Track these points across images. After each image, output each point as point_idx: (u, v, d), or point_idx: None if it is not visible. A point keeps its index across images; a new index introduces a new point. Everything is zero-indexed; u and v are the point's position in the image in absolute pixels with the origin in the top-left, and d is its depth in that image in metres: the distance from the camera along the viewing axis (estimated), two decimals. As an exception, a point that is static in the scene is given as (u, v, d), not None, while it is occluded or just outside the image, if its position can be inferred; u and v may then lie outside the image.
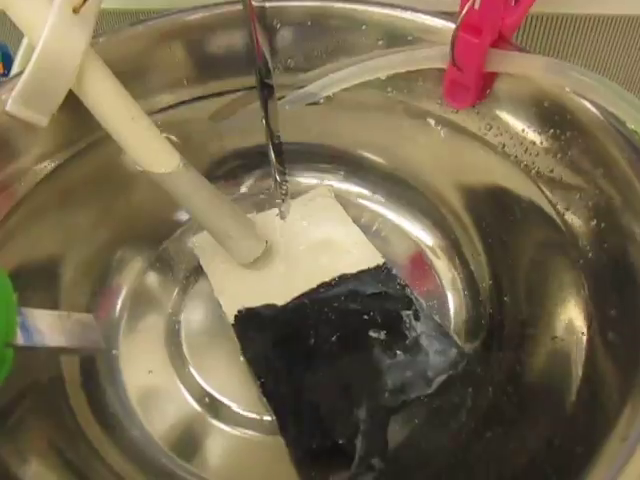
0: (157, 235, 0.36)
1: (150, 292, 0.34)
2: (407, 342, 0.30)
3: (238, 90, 0.35)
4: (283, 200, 0.31)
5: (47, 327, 0.25)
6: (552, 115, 0.28)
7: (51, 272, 0.30)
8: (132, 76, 0.32)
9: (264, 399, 0.29)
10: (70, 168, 0.32)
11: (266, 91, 0.28)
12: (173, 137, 0.32)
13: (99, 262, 0.33)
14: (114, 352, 0.31)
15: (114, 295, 0.33)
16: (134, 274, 0.34)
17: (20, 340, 0.23)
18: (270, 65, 0.28)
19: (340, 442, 0.26)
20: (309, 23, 0.34)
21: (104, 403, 0.29)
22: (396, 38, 0.32)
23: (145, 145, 0.29)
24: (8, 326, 0.22)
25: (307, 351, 0.30)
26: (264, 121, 0.28)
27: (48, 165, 0.31)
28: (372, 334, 0.30)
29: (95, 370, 0.30)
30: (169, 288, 0.34)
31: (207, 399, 0.30)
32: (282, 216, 0.32)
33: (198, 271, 0.34)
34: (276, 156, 0.29)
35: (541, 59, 0.28)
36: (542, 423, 0.24)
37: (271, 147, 0.29)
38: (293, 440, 0.27)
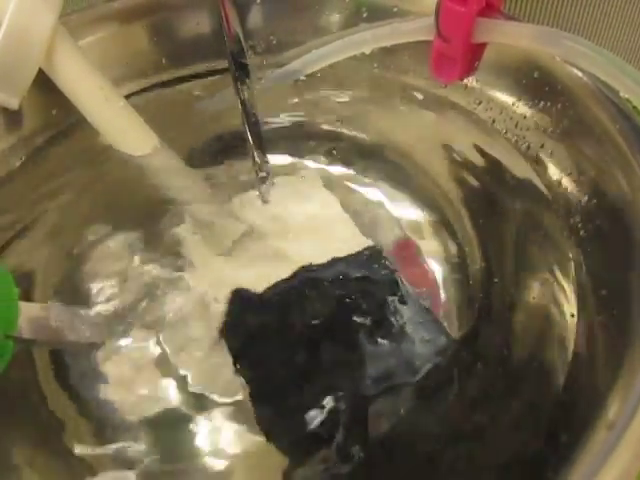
0: (139, 218, 0.35)
1: (129, 278, 0.33)
2: (392, 329, 0.28)
3: (221, 70, 0.34)
4: (264, 182, 0.30)
5: (48, 320, 0.25)
6: (543, 86, 0.27)
7: (22, 259, 0.29)
8: (107, 56, 0.32)
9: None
10: (48, 151, 0.31)
11: (240, 70, 0.27)
12: (150, 119, 0.31)
13: (76, 247, 0.32)
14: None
15: (91, 281, 0.32)
16: (113, 259, 0.33)
17: (21, 332, 0.23)
18: (243, 43, 0.27)
19: (319, 432, 0.25)
20: (290, -3, 0.33)
21: (79, 393, 0.28)
22: (381, 10, 0.31)
23: (120, 126, 0.29)
24: (9, 318, 0.22)
25: (287, 338, 0.28)
26: (239, 101, 0.27)
27: (24, 149, 0.30)
28: (355, 320, 0.29)
29: (69, 360, 0.29)
30: (150, 273, 0.33)
31: (188, 389, 0.29)
32: (263, 199, 0.31)
33: (181, 256, 0.33)
34: (254, 137, 0.28)
35: (533, 28, 0.26)
36: (529, 411, 0.23)
37: (248, 128, 0.28)
38: (271, 431, 0.26)
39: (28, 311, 0.24)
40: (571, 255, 0.25)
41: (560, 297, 0.25)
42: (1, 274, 0.23)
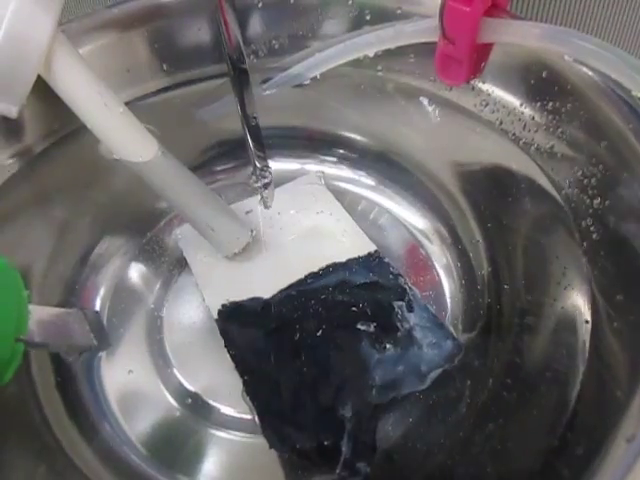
0: (139, 226, 0.34)
1: (131, 286, 0.32)
2: (399, 335, 0.28)
3: (222, 75, 0.33)
4: (266, 188, 0.29)
5: (58, 324, 0.25)
6: (551, 86, 0.26)
7: (24, 268, 0.29)
8: (108, 62, 0.31)
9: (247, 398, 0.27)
10: (47, 159, 0.30)
11: (239, 75, 0.26)
12: (151, 126, 0.31)
13: (77, 256, 0.32)
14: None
15: (93, 290, 0.32)
16: (114, 267, 0.33)
17: (32, 336, 0.23)
18: (243, 47, 0.26)
19: (325, 443, 0.24)
20: (292, 0, 0.32)
21: (81, 407, 0.27)
22: (384, 12, 0.31)
23: (120, 133, 0.28)
24: (20, 321, 0.22)
25: (292, 346, 0.28)
26: (239, 107, 0.27)
27: (23, 158, 0.30)
28: (361, 327, 0.28)
29: (71, 371, 0.28)
30: (151, 282, 0.33)
31: (190, 400, 0.28)
32: (265, 205, 0.30)
33: (182, 264, 0.33)
34: (254, 143, 0.27)
35: (539, 26, 0.26)
36: (542, 421, 0.22)
37: (248, 133, 0.27)
38: (276, 441, 0.25)
39: (38, 314, 0.24)
40: (584, 259, 0.24)
41: (573, 303, 0.24)
42: (12, 277, 0.22)
